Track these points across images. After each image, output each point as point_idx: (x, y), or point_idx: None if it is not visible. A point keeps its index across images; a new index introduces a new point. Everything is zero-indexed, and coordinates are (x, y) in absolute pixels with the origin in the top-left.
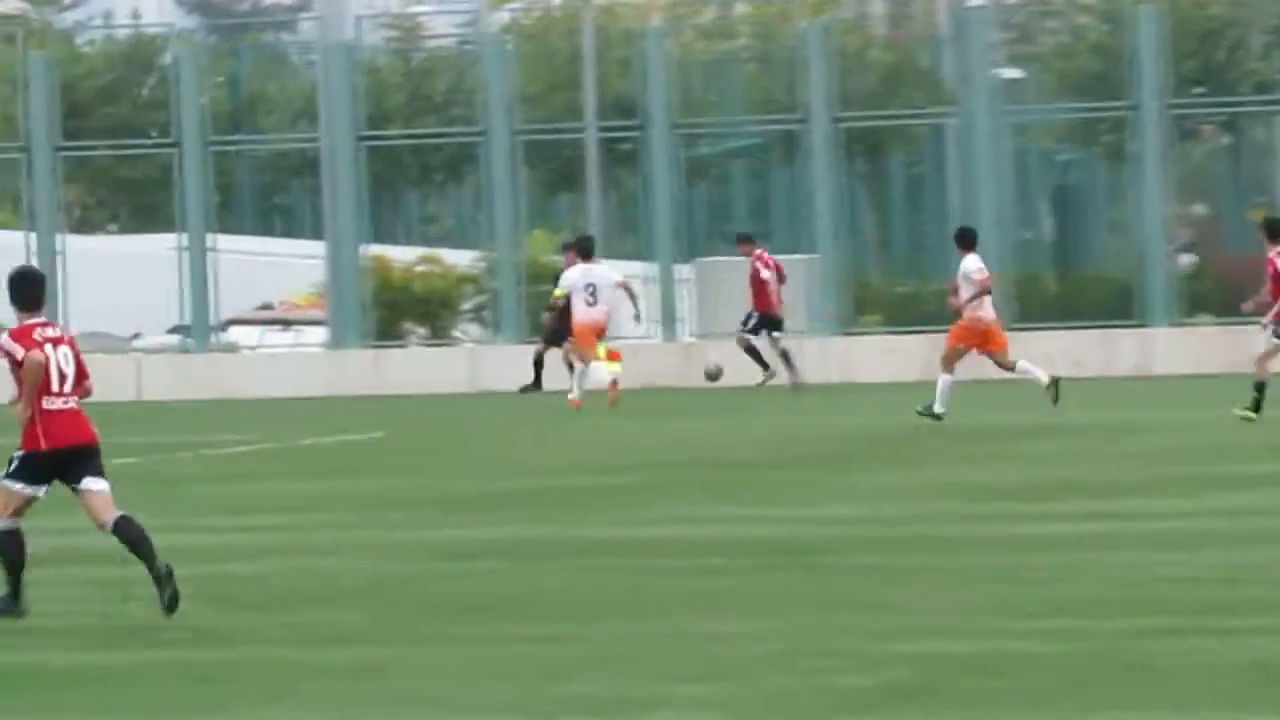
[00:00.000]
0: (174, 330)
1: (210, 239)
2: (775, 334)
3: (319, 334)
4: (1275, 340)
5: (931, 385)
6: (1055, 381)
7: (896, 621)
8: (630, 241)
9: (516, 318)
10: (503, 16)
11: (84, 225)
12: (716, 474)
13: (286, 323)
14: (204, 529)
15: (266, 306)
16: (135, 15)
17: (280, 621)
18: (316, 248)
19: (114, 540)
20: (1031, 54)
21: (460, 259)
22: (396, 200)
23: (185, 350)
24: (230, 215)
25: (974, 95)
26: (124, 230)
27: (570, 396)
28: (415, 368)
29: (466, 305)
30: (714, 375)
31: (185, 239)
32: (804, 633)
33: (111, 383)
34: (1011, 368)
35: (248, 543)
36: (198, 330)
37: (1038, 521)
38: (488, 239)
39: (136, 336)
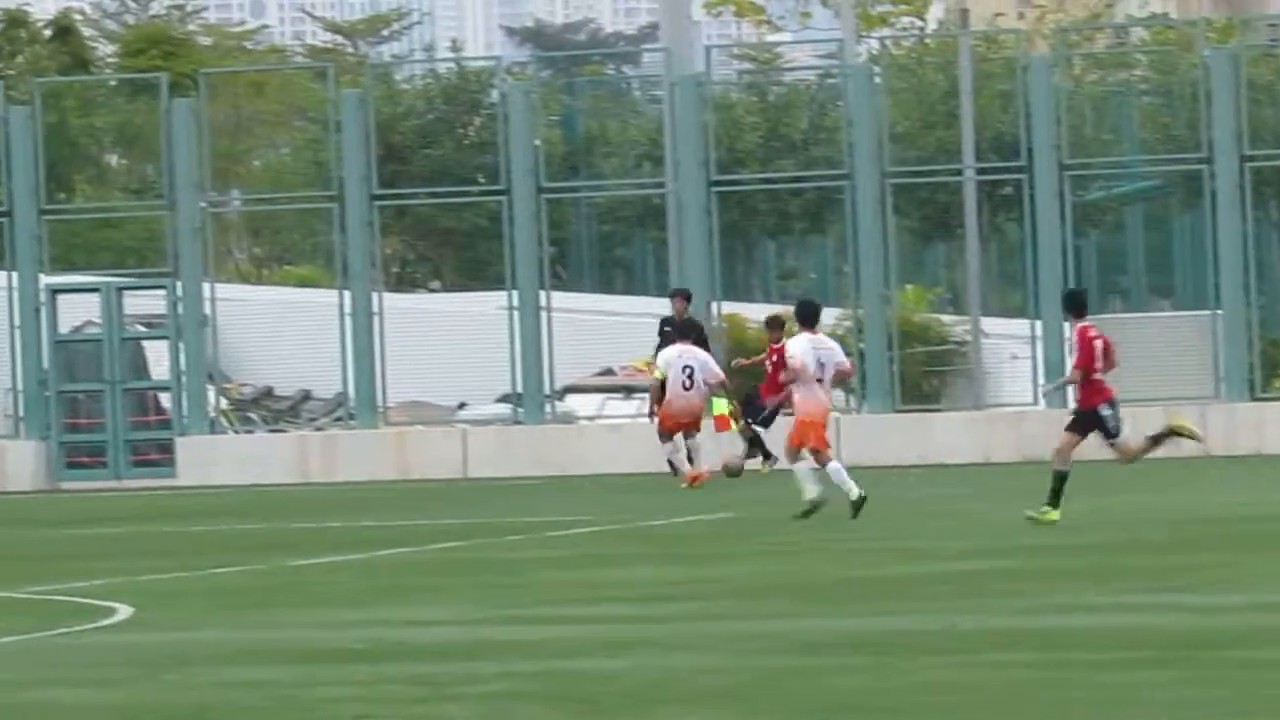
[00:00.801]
0: (503, 399)
1: (544, 297)
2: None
3: None
4: None
5: None
6: None
7: None
8: (1013, 296)
9: (884, 383)
10: (870, 46)
11: (403, 282)
12: (1120, 556)
13: (629, 390)
14: (547, 620)
15: (607, 372)
16: (457, 47)
17: None
18: (662, 305)
19: (433, 635)
20: None
21: (822, 317)
22: (750, 251)
23: (516, 421)
24: (566, 270)
25: None
26: (447, 287)
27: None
28: (775, 437)
29: None
30: (734, 471)
31: (516, 297)
32: None
33: (435, 458)
34: None
35: (597, 636)
36: (530, 399)
37: None
38: (853, 295)
39: (462, 406)
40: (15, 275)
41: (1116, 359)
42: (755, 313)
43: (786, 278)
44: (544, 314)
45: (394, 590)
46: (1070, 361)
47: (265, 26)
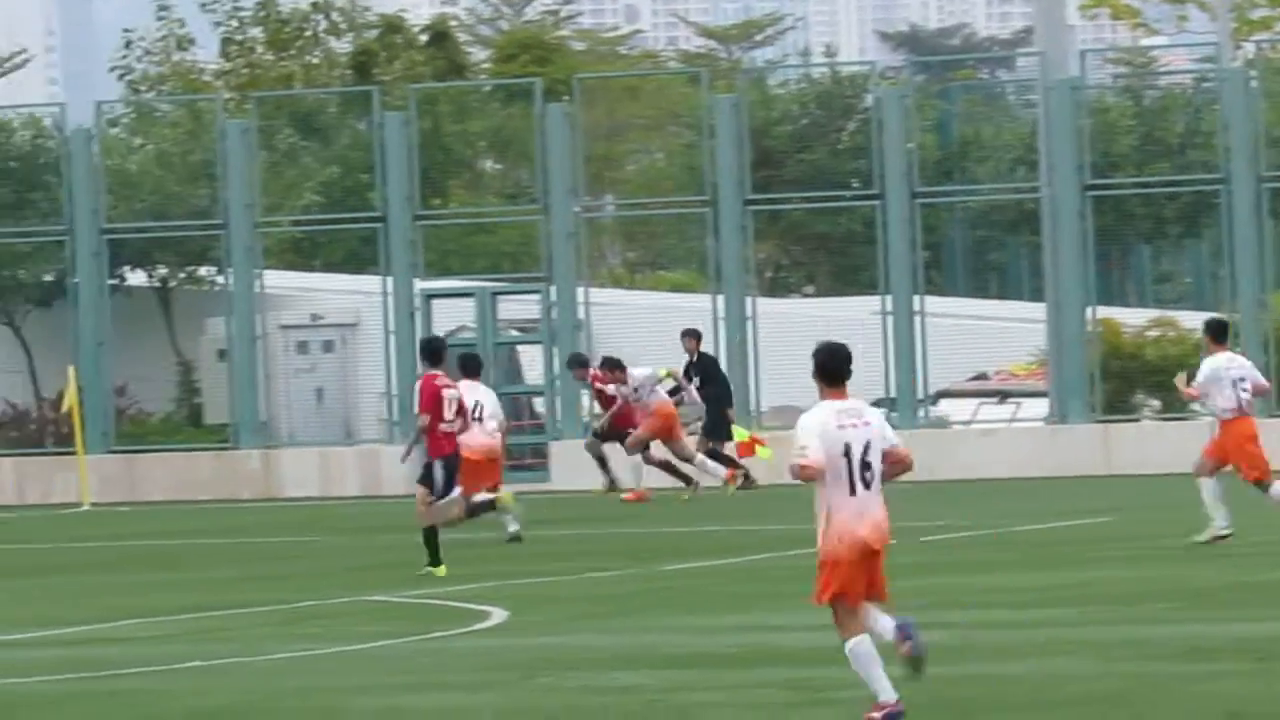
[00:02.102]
0: (877, 403)
1: (917, 301)
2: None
3: (1040, 407)
4: None
5: None
6: None
7: None
8: None
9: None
10: (1246, 50)
11: (776, 287)
12: None
13: (1004, 395)
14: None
15: (981, 377)
16: (831, 52)
17: None
18: (1036, 310)
19: (804, 640)
20: None
21: (1197, 323)
22: (1125, 256)
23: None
24: (940, 274)
25: None
26: (821, 292)
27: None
28: (1147, 445)
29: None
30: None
31: (889, 302)
32: None
33: None
34: None
35: (971, 641)
36: (904, 403)
37: None
38: (1229, 300)
39: None
40: (390, 280)
41: None
42: (1130, 318)
43: (1161, 282)
44: (917, 319)
45: (765, 595)
46: None
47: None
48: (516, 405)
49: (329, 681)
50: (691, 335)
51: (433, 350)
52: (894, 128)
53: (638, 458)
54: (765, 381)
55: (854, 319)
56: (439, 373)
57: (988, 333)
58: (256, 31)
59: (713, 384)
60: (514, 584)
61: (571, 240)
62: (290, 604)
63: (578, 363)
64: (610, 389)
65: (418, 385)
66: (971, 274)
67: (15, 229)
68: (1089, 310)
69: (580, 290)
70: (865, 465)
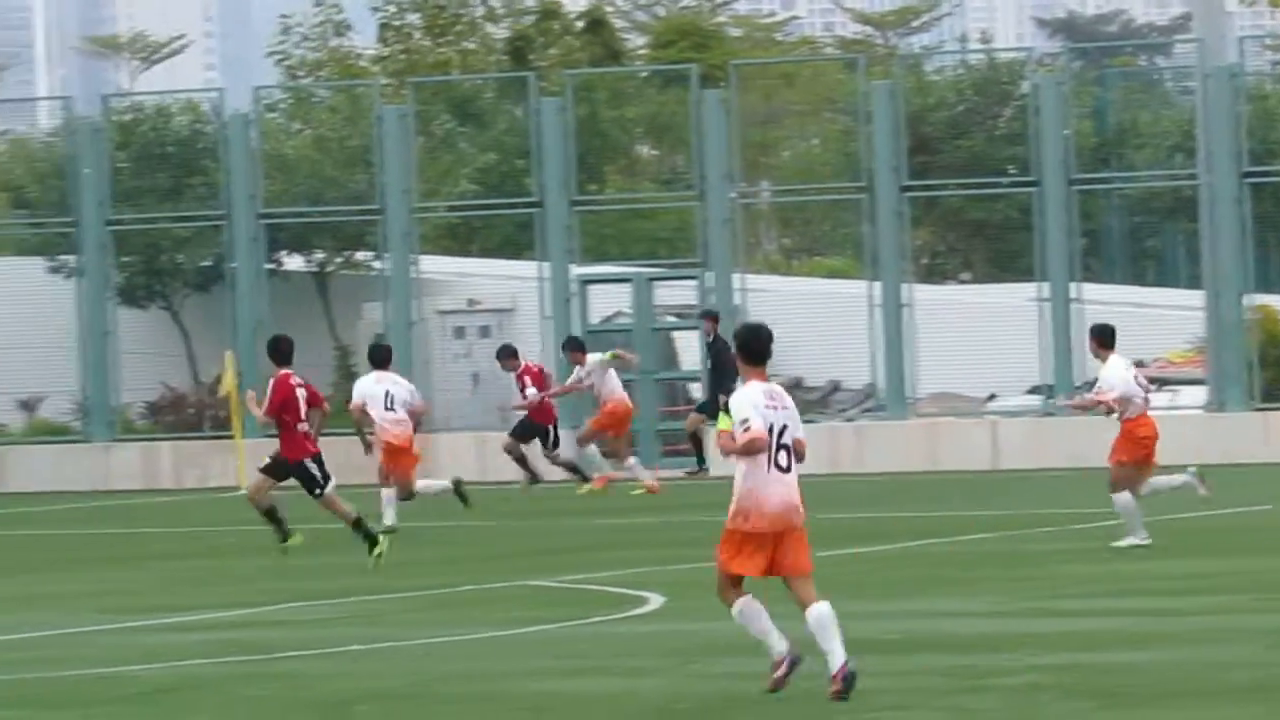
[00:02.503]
0: (1034, 390)
1: (1074, 288)
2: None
3: (1198, 395)
4: None
5: None
6: None
7: None
8: None
9: None
10: None
11: (932, 273)
12: None
13: (1162, 382)
14: (1072, 613)
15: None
16: (988, 39)
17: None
18: (1194, 297)
19: (963, 626)
20: None
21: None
22: None
23: (1047, 413)
24: (1097, 261)
25: None
26: (977, 279)
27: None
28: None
29: None
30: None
31: (1046, 288)
32: None
33: (965, 449)
34: None
35: (1125, 629)
36: (1061, 390)
37: None
38: None
39: (992, 398)
40: (547, 266)
41: None
42: None
43: None
44: (1074, 305)
45: (925, 581)
46: None
47: (795, 18)
48: (672, 391)
49: (486, 666)
50: (710, 316)
51: (282, 350)
52: (1051, 114)
53: (592, 448)
54: (922, 368)
55: (1010, 305)
56: (291, 371)
57: (1145, 320)
58: (414, 17)
59: (721, 368)
60: (671, 569)
61: (727, 226)
62: (448, 588)
63: (508, 353)
64: (530, 391)
65: (272, 383)
66: (1128, 261)
67: (173, 214)
68: (1246, 297)
69: (736, 276)
70: (781, 447)
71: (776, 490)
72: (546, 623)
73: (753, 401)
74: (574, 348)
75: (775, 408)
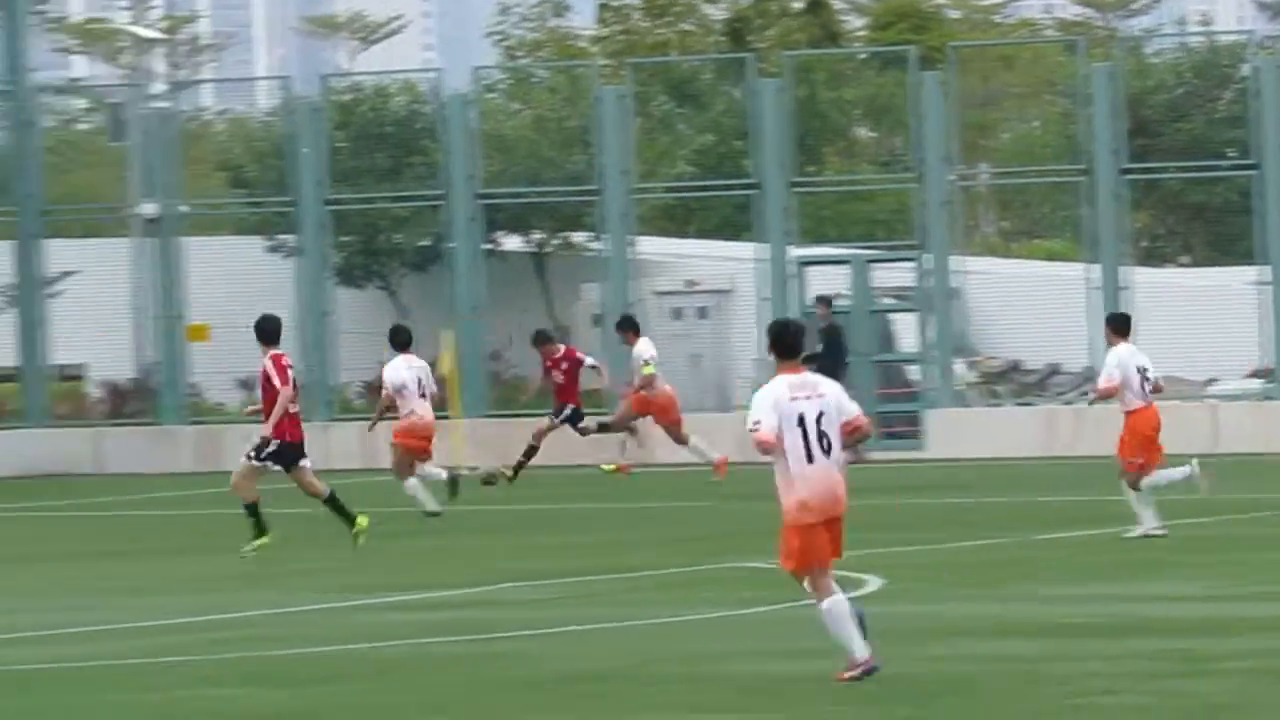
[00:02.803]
0: (1254, 374)
1: None
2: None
3: None
4: None
5: None
6: None
7: None
8: None
9: None
10: None
11: (1152, 256)
12: None
13: None
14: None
15: None
16: (1208, 21)
17: None
18: None
19: (1177, 610)
20: None
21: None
22: None
23: (1267, 397)
24: None
25: None
26: (1197, 262)
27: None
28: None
29: None
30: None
31: (1267, 272)
32: None
33: (1185, 433)
34: None
35: None
36: None
37: None
38: None
39: (1211, 381)
40: (765, 247)
41: None
42: None
43: None
44: None
45: (1139, 565)
46: None
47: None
48: (890, 373)
49: (703, 646)
50: (823, 302)
51: (272, 330)
52: (1272, 97)
53: (694, 439)
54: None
55: (1230, 289)
56: (283, 352)
57: None
58: None
59: (828, 353)
60: (889, 551)
61: (946, 208)
62: (666, 569)
63: (544, 339)
64: (559, 377)
65: (270, 364)
66: None
67: (392, 193)
68: None
69: (954, 259)
70: (821, 435)
71: (819, 477)
72: (763, 604)
73: (773, 399)
74: (628, 327)
75: (804, 398)
